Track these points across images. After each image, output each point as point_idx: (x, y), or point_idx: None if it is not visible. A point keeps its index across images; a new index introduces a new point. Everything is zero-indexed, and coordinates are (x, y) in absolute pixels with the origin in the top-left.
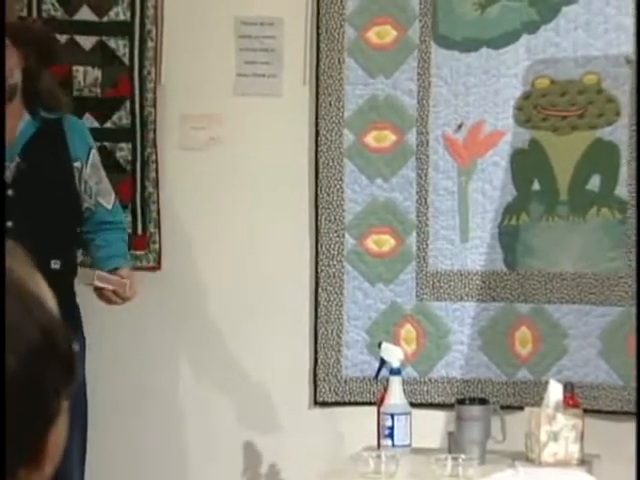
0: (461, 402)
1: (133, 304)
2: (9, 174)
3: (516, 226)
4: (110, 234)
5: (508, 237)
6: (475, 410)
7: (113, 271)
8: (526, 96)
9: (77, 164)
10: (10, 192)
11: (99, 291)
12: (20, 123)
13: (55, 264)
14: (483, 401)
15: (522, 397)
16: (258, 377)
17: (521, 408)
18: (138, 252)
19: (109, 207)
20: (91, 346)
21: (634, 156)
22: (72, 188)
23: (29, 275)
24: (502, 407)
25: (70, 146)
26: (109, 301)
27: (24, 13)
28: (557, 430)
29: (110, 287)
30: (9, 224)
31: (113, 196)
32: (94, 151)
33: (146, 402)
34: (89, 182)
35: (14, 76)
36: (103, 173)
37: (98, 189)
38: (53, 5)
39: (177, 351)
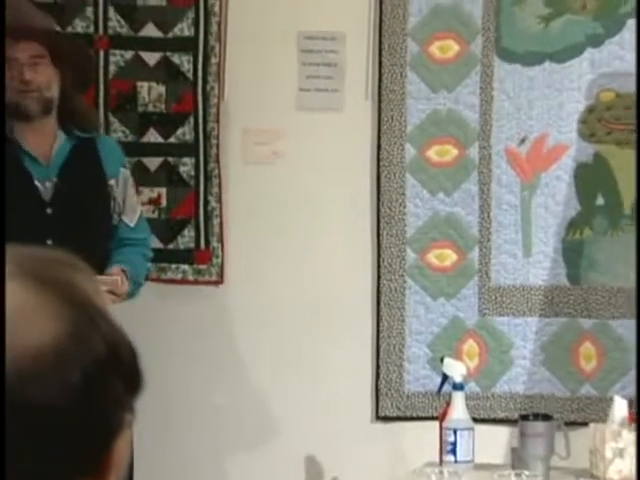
0: (525, 418)
1: (195, 317)
2: (47, 193)
3: (580, 241)
4: (129, 249)
5: (571, 252)
6: (539, 426)
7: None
8: (590, 110)
9: (111, 182)
10: (49, 211)
11: None
12: (55, 143)
13: None
14: (547, 417)
15: (586, 413)
16: (320, 391)
17: (585, 424)
18: (201, 266)
19: (131, 225)
20: (152, 359)
21: None
22: (107, 206)
23: (93, 289)
24: (566, 423)
25: (105, 165)
26: None
27: (90, 30)
28: (623, 447)
29: (106, 287)
30: (49, 242)
31: (138, 213)
32: (125, 169)
33: (206, 415)
34: (117, 199)
35: (52, 90)
36: (133, 190)
37: (124, 207)
38: (119, 22)
39: (238, 364)
